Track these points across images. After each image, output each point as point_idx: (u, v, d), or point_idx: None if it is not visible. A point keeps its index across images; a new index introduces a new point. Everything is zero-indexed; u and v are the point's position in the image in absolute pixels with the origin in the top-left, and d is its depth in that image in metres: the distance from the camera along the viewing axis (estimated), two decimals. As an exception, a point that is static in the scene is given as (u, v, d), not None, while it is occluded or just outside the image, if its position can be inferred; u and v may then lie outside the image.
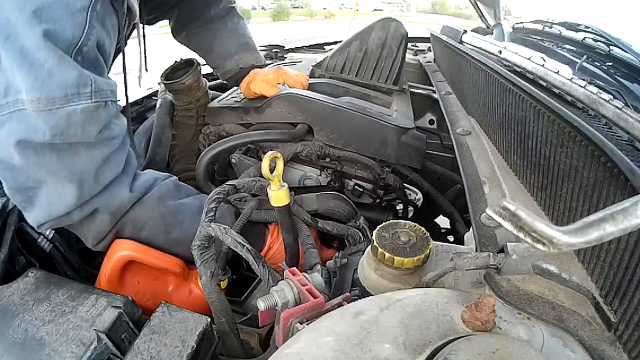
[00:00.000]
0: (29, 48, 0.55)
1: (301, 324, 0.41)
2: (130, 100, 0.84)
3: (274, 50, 1.55)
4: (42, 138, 0.57)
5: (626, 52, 1.16)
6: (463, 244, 0.55)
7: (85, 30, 0.59)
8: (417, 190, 0.98)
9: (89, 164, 0.62)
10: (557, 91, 0.53)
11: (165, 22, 1.08)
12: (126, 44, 0.82)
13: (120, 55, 0.78)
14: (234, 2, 1.09)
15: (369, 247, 0.49)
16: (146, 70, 0.89)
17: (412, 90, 1.18)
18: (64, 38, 0.57)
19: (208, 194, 0.69)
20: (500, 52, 0.73)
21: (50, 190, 0.62)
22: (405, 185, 0.95)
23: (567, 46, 1.40)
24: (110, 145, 0.65)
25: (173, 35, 1.09)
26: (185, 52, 1.07)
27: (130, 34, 0.83)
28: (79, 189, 0.62)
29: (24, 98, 0.56)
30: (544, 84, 0.56)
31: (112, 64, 0.73)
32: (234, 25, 1.06)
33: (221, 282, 0.67)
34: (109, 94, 0.62)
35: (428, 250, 0.45)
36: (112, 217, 0.67)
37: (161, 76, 1.01)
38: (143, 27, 0.85)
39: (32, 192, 0.62)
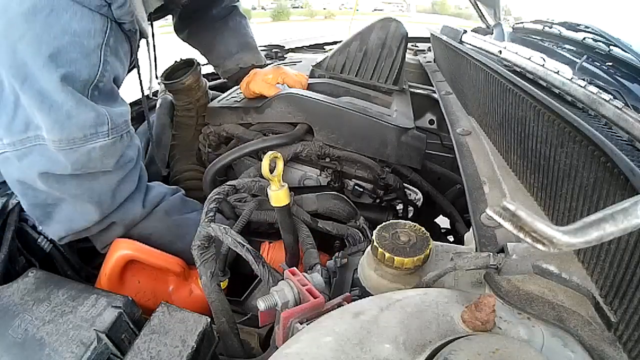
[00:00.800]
0: (47, 91, 0.57)
1: (301, 324, 0.41)
2: (130, 101, 0.84)
3: (274, 50, 1.54)
4: (64, 171, 0.61)
5: (626, 52, 1.16)
6: (463, 244, 0.55)
7: (100, 68, 0.61)
8: (417, 190, 0.98)
9: (106, 187, 0.66)
10: (557, 91, 0.53)
11: (165, 22, 1.08)
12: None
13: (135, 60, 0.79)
14: (237, 1, 1.09)
15: (369, 247, 0.49)
16: (156, 77, 0.93)
17: (412, 90, 1.18)
18: (80, 79, 0.59)
19: None
20: (500, 52, 0.72)
21: (69, 207, 0.66)
22: (405, 185, 0.95)
23: (567, 46, 1.40)
24: (125, 168, 0.68)
25: (175, 33, 1.09)
26: (184, 52, 1.07)
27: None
28: (99, 207, 0.67)
29: (45, 136, 0.59)
30: (544, 84, 0.56)
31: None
32: (235, 24, 1.06)
33: (221, 282, 0.67)
34: (123, 126, 0.66)
35: (428, 250, 0.45)
36: (125, 229, 0.72)
37: (161, 76, 1.01)
38: (153, 39, 0.87)
39: (51, 209, 0.66)
